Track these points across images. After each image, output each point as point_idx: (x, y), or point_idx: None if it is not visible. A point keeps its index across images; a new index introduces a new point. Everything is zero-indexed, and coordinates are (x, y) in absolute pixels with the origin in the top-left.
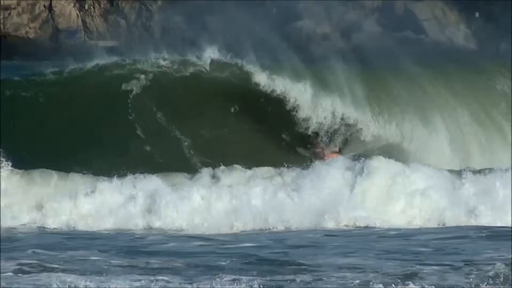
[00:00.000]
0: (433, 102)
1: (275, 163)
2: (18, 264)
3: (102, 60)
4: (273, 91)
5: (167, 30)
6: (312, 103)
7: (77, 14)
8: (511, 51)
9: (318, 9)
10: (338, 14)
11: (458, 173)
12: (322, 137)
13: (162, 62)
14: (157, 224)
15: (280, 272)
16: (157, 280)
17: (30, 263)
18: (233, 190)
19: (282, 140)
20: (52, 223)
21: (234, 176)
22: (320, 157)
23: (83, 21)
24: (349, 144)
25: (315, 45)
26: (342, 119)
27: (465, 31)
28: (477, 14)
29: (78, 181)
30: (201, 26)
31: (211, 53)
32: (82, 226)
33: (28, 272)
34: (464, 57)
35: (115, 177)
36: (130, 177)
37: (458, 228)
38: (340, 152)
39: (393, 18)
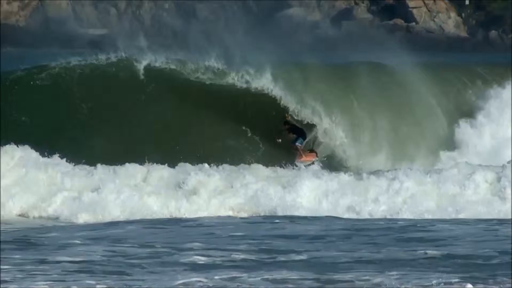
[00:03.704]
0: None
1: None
2: None
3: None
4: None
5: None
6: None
7: (67, 2)
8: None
9: None
10: (328, 1)
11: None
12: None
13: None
14: None
15: None
16: None
17: None
18: None
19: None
20: None
21: None
22: (298, 156)
23: (73, 9)
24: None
25: (305, 33)
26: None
27: (455, 19)
28: (467, 1)
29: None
30: (191, 15)
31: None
32: None
33: None
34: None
35: None
36: None
37: None
38: (315, 151)
39: (383, 6)
